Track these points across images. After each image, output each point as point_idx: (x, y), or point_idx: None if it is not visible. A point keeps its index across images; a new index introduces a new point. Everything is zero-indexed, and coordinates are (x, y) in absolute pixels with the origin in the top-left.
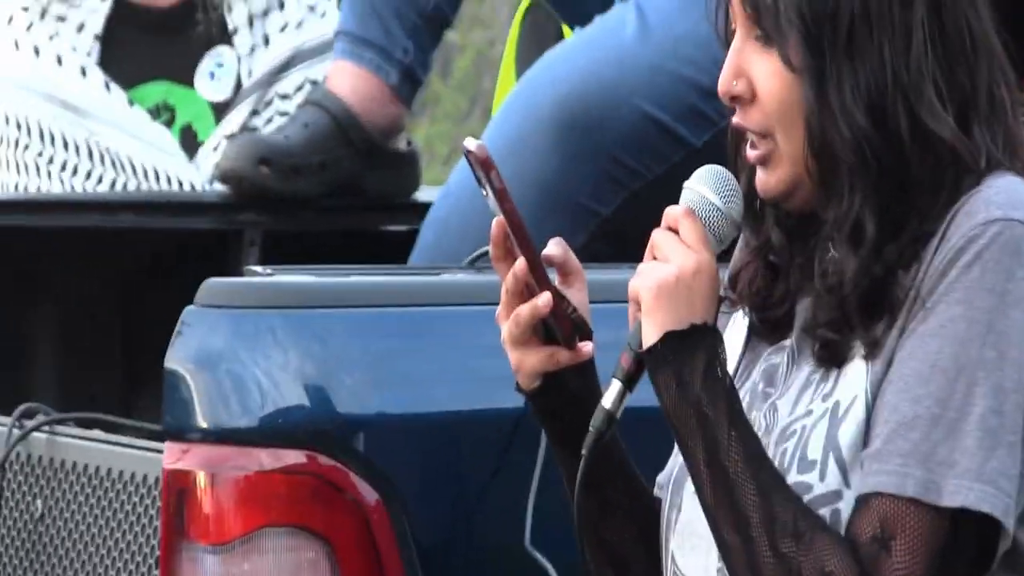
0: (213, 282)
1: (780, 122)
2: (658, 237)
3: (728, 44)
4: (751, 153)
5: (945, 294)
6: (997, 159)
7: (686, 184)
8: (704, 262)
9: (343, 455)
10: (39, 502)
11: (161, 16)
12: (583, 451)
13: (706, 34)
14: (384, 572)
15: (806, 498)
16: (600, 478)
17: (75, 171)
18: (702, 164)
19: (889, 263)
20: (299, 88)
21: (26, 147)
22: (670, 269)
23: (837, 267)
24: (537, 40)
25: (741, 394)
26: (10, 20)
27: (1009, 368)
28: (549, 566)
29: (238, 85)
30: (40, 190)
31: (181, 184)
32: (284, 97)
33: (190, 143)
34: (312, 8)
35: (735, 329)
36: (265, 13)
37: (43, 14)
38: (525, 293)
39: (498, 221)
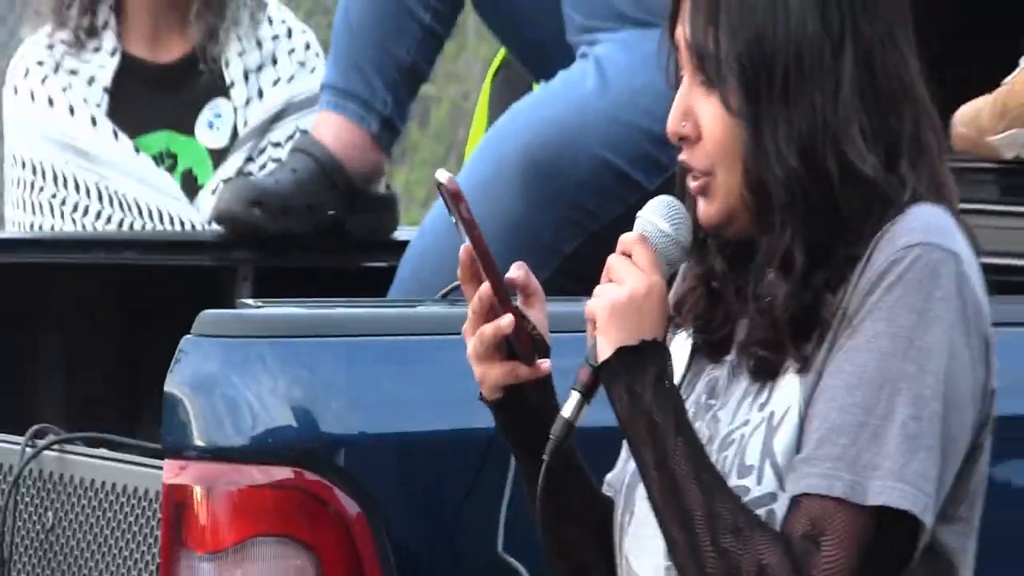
0: (208, 314)
1: (721, 160)
2: (613, 261)
3: (677, 88)
4: (693, 185)
5: (870, 312)
6: (922, 194)
7: (639, 213)
8: (655, 284)
9: (327, 471)
10: (50, 514)
11: (165, 71)
12: (544, 457)
13: (659, 88)
14: None
15: (745, 500)
16: (559, 484)
17: (86, 212)
18: None
19: (817, 288)
20: (290, 137)
21: (41, 189)
22: (623, 291)
23: (770, 292)
24: (509, 94)
25: (686, 405)
26: (26, 73)
27: (928, 379)
28: (522, 569)
29: (234, 134)
30: (54, 229)
31: (182, 224)
32: (276, 145)
33: (191, 187)
34: (302, 64)
35: (681, 346)
36: (259, 68)
37: (57, 68)
38: (489, 313)
39: (466, 247)
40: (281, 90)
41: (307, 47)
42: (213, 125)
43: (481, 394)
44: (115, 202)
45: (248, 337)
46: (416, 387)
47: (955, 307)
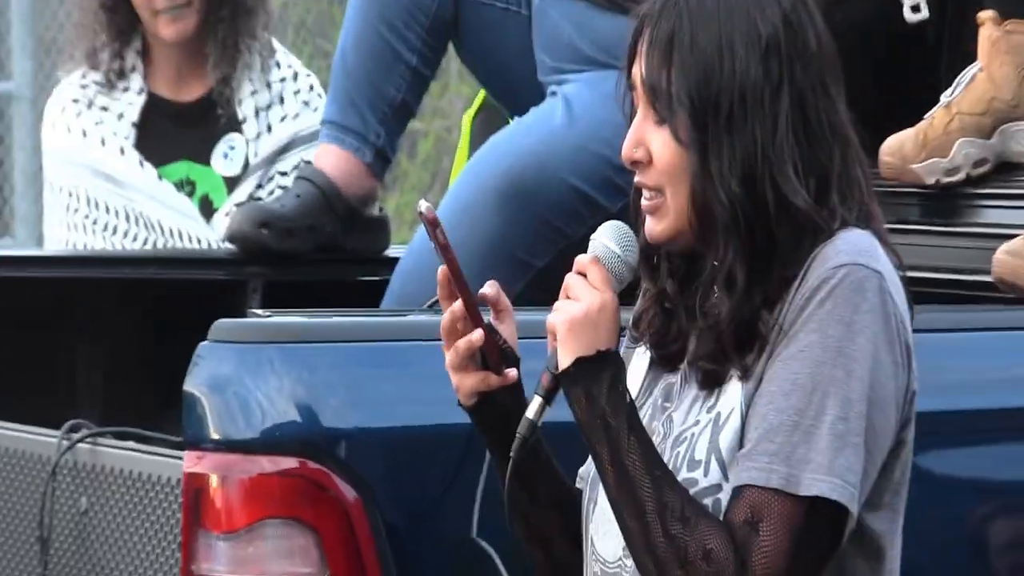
0: (222, 322)
1: (670, 183)
2: (570, 280)
3: (632, 119)
4: (644, 203)
5: (803, 325)
6: (851, 222)
7: (592, 236)
8: (607, 300)
9: (327, 461)
10: (84, 499)
11: (186, 109)
12: (511, 454)
13: (619, 121)
14: (361, 555)
15: (693, 491)
16: (528, 474)
17: (115, 231)
18: None
19: (756, 305)
20: (295, 166)
21: (75, 211)
22: (580, 307)
23: (715, 309)
24: (488, 129)
25: (644, 407)
26: (63, 109)
27: (855, 384)
28: (493, 551)
29: (246, 164)
30: (86, 246)
31: (199, 242)
32: (283, 174)
33: (207, 210)
34: (306, 103)
35: (640, 358)
36: (268, 107)
37: (90, 104)
38: (463, 328)
39: (442, 269)
40: (287, 126)
41: (310, 88)
42: (228, 156)
43: (459, 400)
44: (140, 223)
45: (258, 343)
46: (405, 387)
47: (879, 319)
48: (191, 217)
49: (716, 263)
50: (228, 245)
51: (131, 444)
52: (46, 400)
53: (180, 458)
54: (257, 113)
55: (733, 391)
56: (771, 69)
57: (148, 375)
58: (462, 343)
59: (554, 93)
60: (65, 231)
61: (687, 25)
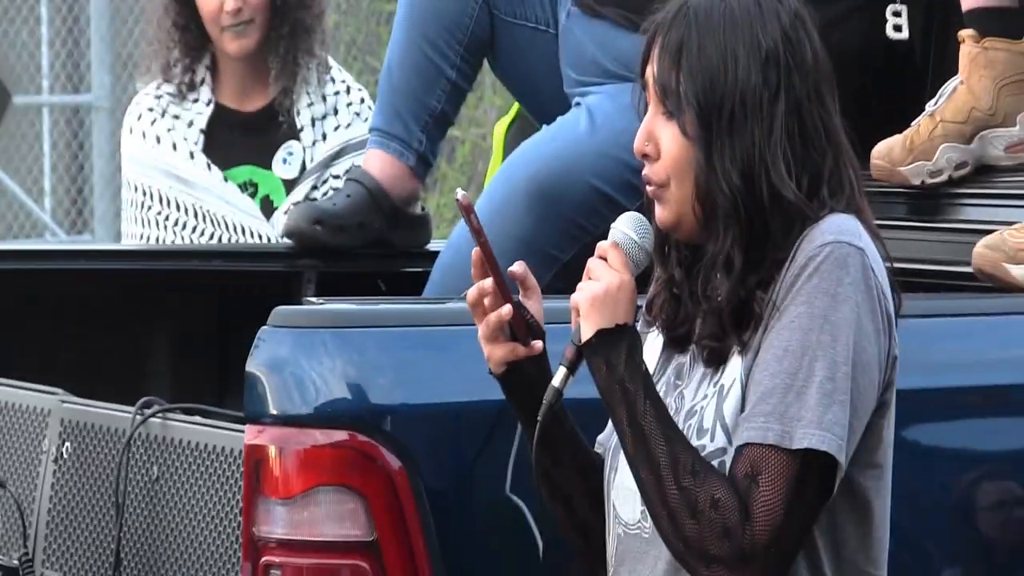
0: (281, 309)
1: (675, 175)
2: (592, 263)
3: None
4: (650, 190)
5: (793, 299)
6: (838, 211)
7: (613, 225)
8: (626, 280)
9: (375, 434)
10: (155, 468)
11: (249, 118)
12: (538, 418)
13: (637, 129)
14: (405, 519)
15: (702, 455)
16: (553, 439)
17: (184, 226)
18: None
19: (751, 286)
20: (347, 170)
21: (149, 208)
22: (600, 285)
23: (716, 292)
24: (521, 137)
25: (659, 385)
26: (139, 117)
27: (840, 348)
28: (524, 506)
29: (303, 168)
30: (159, 241)
31: (260, 237)
32: (336, 177)
33: (268, 209)
34: (358, 114)
35: (654, 341)
36: (323, 117)
37: (163, 113)
38: (492, 303)
39: (476, 250)
40: (340, 134)
41: (361, 101)
42: (286, 161)
43: (489, 369)
44: (208, 220)
45: (312, 328)
46: (445, 367)
47: (862, 289)
48: (254, 215)
49: (716, 248)
50: (286, 240)
51: (198, 419)
52: (122, 379)
53: (242, 431)
54: (313, 123)
55: (734, 364)
56: (770, 77)
57: (213, 357)
58: (492, 316)
59: (578, 104)
60: (140, 227)
61: (695, 35)
